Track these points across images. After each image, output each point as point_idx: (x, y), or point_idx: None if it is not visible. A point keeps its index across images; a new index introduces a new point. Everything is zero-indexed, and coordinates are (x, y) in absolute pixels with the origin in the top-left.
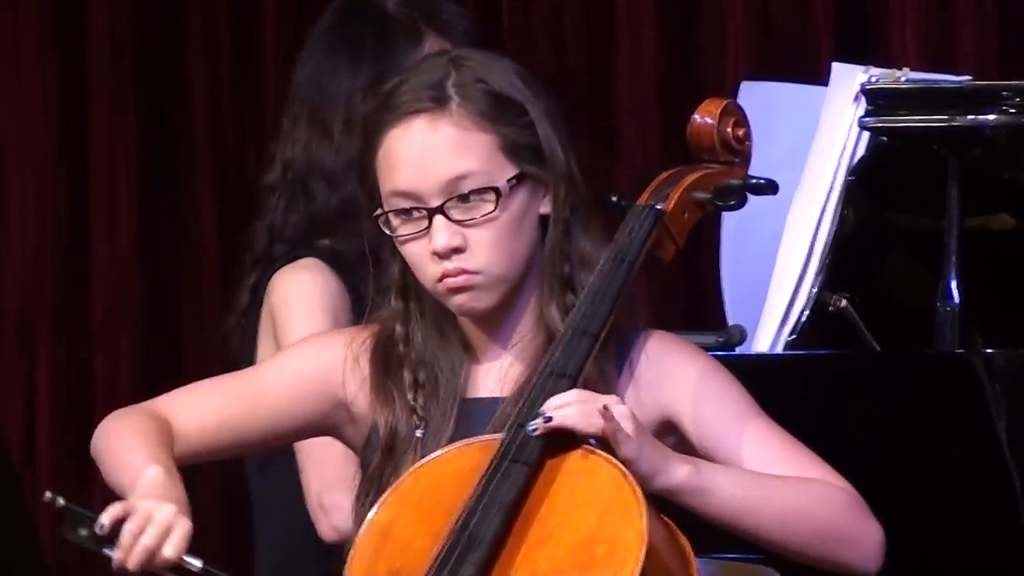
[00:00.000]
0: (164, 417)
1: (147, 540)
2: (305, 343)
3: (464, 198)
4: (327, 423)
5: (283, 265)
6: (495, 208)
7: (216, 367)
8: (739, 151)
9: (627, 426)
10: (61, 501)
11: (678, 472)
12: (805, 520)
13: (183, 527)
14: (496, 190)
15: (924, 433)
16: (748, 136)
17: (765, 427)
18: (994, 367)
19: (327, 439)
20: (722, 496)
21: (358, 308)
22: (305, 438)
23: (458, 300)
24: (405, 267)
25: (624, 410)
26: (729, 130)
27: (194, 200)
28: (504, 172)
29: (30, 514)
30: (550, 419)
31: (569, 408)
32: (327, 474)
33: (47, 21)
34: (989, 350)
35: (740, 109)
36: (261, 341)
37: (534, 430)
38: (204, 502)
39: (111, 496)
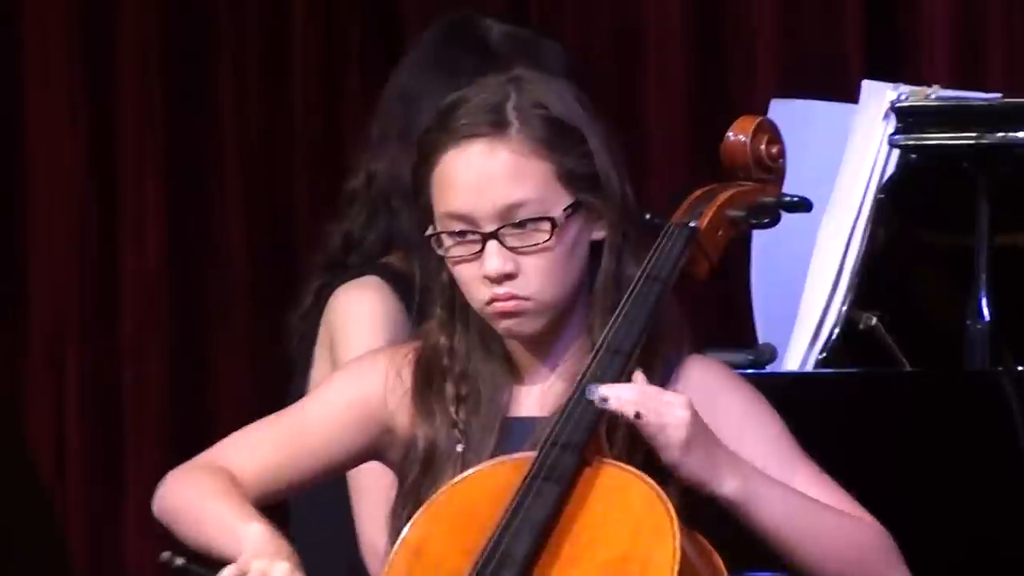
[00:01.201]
0: (225, 469)
1: None
2: (345, 371)
3: (519, 225)
4: (376, 448)
5: (349, 279)
6: (550, 237)
7: (245, 383)
8: (773, 169)
9: (679, 434)
10: (180, 561)
11: (728, 486)
12: (842, 549)
13: None
14: (552, 220)
15: (955, 451)
16: (782, 153)
17: (804, 467)
18: (1010, 384)
19: (382, 476)
20: (767, 513)
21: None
22: (359, 464)
23: (506, 324)
24: (451, 280)
25: (685, 416)
26: (763, 147)
27: (223, 213)
28: (560, 201)
29: (61, 529)
30: (606, 399)
31: (629, 393)
32: (382, 515)
33: (75, 34)
34: (1020, 368)
35: (774, 127)
36: (318, 351)
37: (592, 396)
38: None
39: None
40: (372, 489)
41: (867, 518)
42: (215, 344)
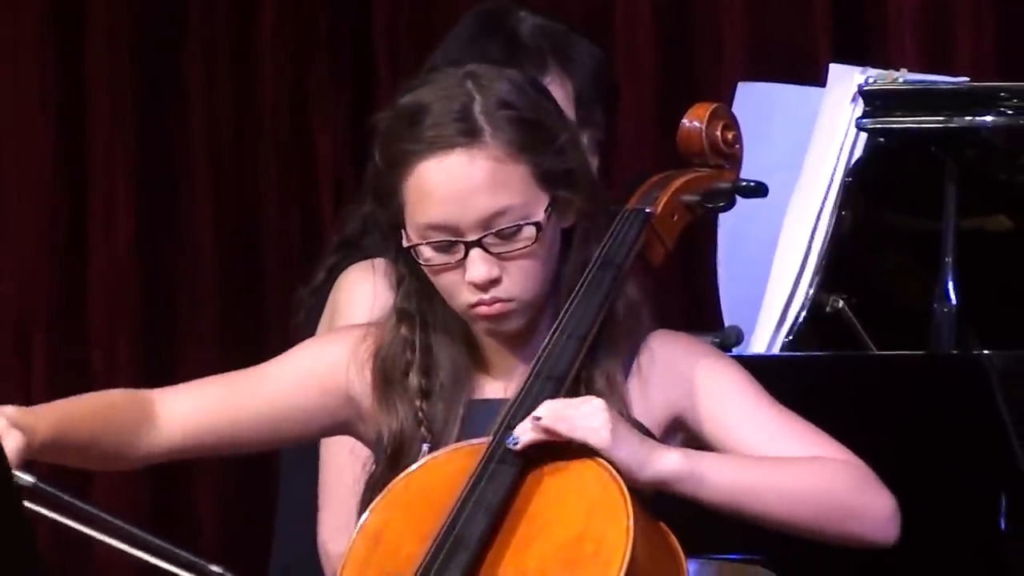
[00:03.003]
0: (147, 402)
1: None
2: (312, 341)
3: (502, 232)
4: (339, 420)
5: (358, 261)
6: (535, 241)
7: (213, 370)
8: (729, 154)
9: (600, 436)
10: (28, 479)
11: (665, 461)
12: (808, 497)
13: (13, 440)
14: (536, 224)
15: (921, 434)
16: (738, 139)
17: (775, 413)
18: (991, 368)
19: (349, 483)
20: (716, 481)
21: None
22: (313, 436)
23: (489, 325)
24: (412, 270)
25: (601, 419)
26: (718, 133)
27: (191, 202)
28: (540, 203)
29: (27, 519)
30: (517, 441)
31: (543, 413)
32: (340, 520)
33: (45, 23)
34: (986, 351)
35: (729, 112)
36: (320, 327)
37: (511, 446)
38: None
39: (111, 503)
40: (336, 486)
41: (838, 454)
42: (184, 332)
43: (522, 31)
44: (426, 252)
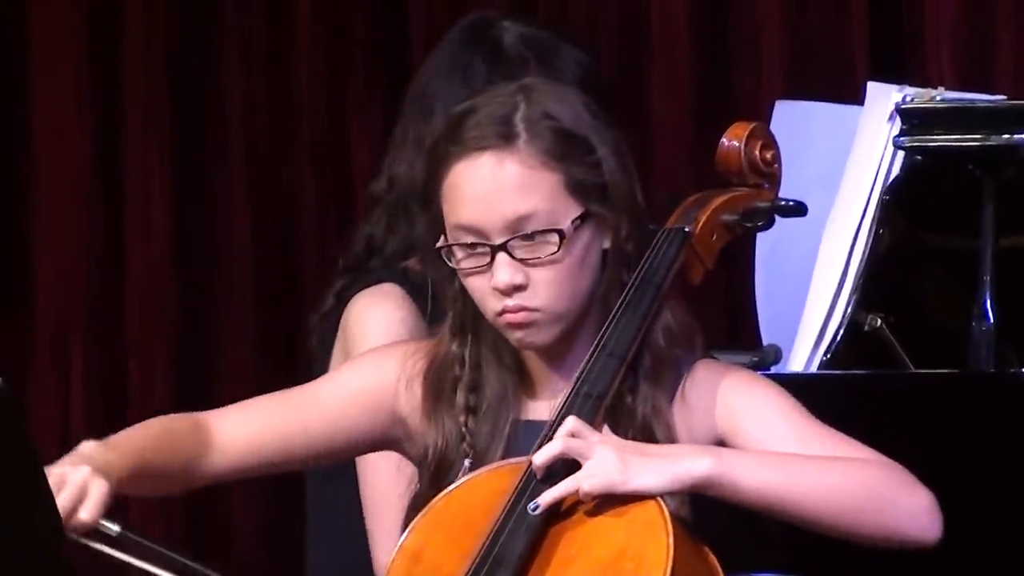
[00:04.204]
0: (204, 426)
1: (62, 502)
2: (361, 358)
3: (528, 237)
4: (389, 437)
5: (368, 284)
6: (558, 249)
7: (250, 376)
8: (767, 173)
9: (608, 463)
10: (116, 529)
11: (696, 468)
12: (843, 492)
13: (99, 488)
14: (560, 232)
15: (959, 453)
16: (776, 159)
17: (817, 429)
18: None
19: (397, 502)
20: (749, 481)
21: None
22: (364, 452)
23: (517, 335)
24: (463, 289)
25: (606, 446)
26: (757, 153)
27: (228, 209)
28: (568, 212)
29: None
30: (537, 507)
31: (555, 451)
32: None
33: (82, 28)
34: None
35: (768, 132)
36: (335, 355)
37: (534, 511)
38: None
39: (147, 508)
40: (388, 509)
41: (873, 457)
42: (220, 338)
43: (505, 40)
44: (458, 254)
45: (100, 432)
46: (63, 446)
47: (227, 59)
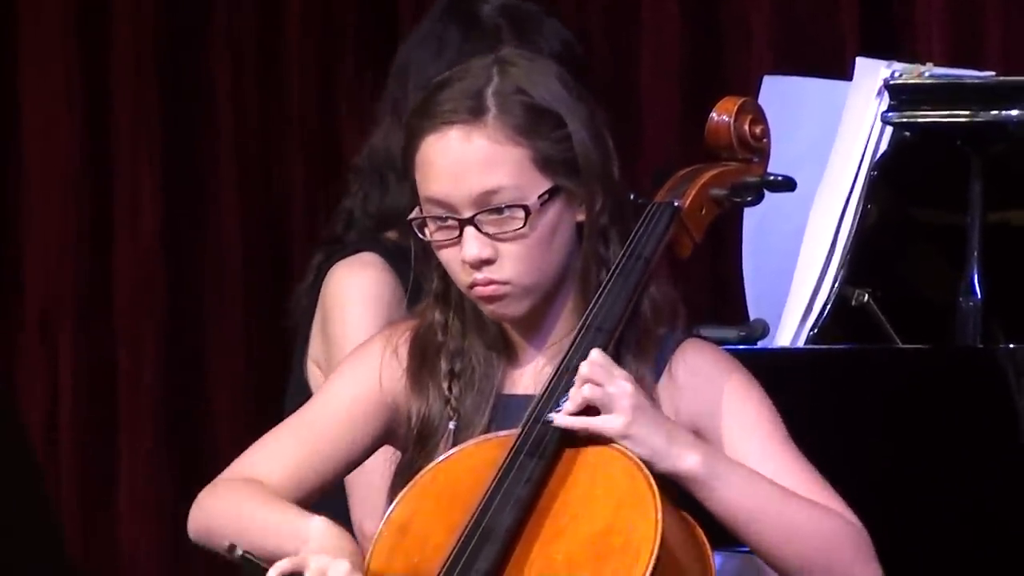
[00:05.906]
0: (255, 479)
1: None
2: (344, 365)
3: (495, 211)
4: (390, 428)
5: (345, 256)
6: (524, 224)
7: (238, 365)
8: (756, 148)
9: (623, 402)
10: (240, 552)
11: (685, 461)
12: (808, 541)
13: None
14: (525, 207)
15: (945, 427)
16: (766, 133)
17: (789, 456)
18: (1016, 361)
19: (369, 467)
20: (727, 494)
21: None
22: (375, 452)
23: (489, 307)
24: None
25: (627, 387)
26: (746, 128)
27: (217, 198)
28: (536, 187)
29: (53, 508)
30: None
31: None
32: (369, 503)
33: (71, 19)
34: (1011, 344)
35: (757, 107)
36: (313, 327)
37: (549, 421)
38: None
39: (136, 498)
40: (361, 480)
41: (840, 510)
42: (208, 325)
43: (482, 12)
44: (430, 227)
45: (87, 417)
46: (50, 429)
47: (217, 58)
